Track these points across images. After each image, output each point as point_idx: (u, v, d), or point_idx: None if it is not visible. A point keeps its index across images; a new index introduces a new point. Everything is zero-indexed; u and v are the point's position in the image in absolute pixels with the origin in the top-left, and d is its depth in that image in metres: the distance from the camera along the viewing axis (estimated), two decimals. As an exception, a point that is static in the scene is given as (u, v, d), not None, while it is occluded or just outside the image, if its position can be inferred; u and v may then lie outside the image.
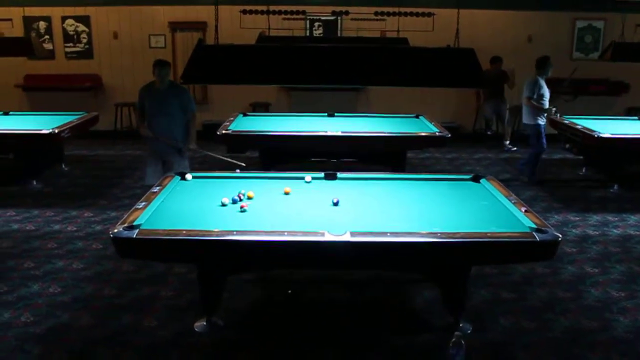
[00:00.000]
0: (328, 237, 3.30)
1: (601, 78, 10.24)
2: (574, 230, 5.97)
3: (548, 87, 7.58)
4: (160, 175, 6.05)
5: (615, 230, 6.00)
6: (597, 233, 5.92)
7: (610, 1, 9.83)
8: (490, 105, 9.93)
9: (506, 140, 9.95)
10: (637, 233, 5.93)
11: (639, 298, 4.51)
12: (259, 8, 6.71)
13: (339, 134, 6.60)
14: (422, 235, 3.42)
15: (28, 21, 9.84)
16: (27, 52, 7.84)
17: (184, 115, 6.07)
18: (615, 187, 7.41)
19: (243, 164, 6.03)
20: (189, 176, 4.65)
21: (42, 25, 10.06)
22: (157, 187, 4.27)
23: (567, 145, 8.17)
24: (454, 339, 3.36)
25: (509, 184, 6.13)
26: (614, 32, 9.50)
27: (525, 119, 7.66)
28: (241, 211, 3.87)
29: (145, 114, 6.07)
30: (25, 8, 9.27)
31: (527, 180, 7.69)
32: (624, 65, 9.22)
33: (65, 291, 4.48)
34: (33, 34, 9.72)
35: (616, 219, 6.35)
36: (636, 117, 8.72)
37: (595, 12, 10.23)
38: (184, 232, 3.37)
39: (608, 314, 4.25)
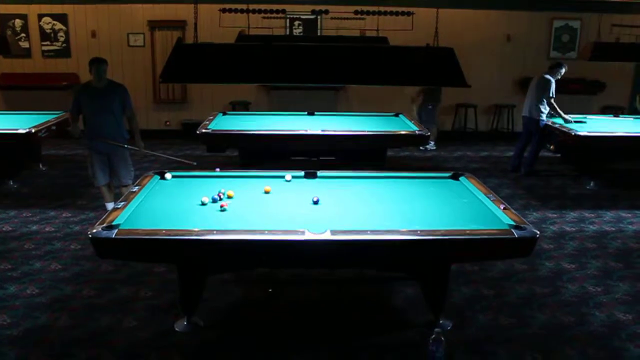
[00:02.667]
0: (308, 236, 3.31)
1: (577, 77, 10.38)
2: (551, 227, 6.05)
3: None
4: (108, 172, 5.98)
5: (591, 227, 6.09)
6: (574, 229, 6.00)
7: (586, 1, 9.99)
8: (424, 107, 9.50)
9: (431, 139, 9.55)
10: (613, 229, 6.03)
11: (614, 293, 4.59)
12: (239, 7, 6.68)
13: (319, 132, 6.61)
14: (402, 233, 3.44)
15: (3, 19, 9.69)
16: (2, 50, 7.71)
17: (124, 114, 5.95)
18: (592, 184, 7.53)
19: (194, 163, 5.99)
20: (168, 175, 4.62)
21: (17, 23, 9.91)
22: (136, 187, 4.24)
23: (551, 147, 8.35)
24: (434, 336, 3.39)
25: (487, 182, 6.18)
26: (590, 32, 9.67)
27: (532, 114, 7.83)
28: (221, 210, 3.86)
29: (82, 114, 5.89)
30: (0, 5, 9.14)
31: (523, 173, 8.03)
32: (599, 65, 9.36)
33: (43, 292, 4.42)
34: (9, 32, 9.58)
35: (592, 215, 6.45)
36: (612, 115, 8.86)
37: (571, 12, 10.38)
38: (164, 231, 3.35)
39: (585, 309, 4.32)
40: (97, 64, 5.72)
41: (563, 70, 7.80)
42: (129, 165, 6.03)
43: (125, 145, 5.89)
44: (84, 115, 5.87)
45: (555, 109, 7.77)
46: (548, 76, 7.73)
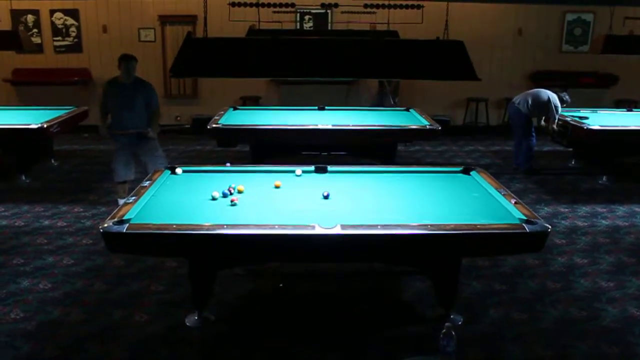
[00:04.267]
0: (319, 230, 3.30)
1: (590, 70, 10.30)
2: (563, 222, 6.01)
3: None
4: (132, 169, 6.03)
5: (604, 221, 6.04)
6: (586, 224, 5.96)
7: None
8: (379, 97, 9.64)
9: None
10: (626, 224, 5.97)
11: (627, 288, 4.56)
12: (249, 0, 6.66)
13: (330, 127, 6.60)
14: (412, 227, 3.43)
15: (16, 14, 9.74)
16: (15, 46, 7.73)
17: (147, 110, 6.03)
18: (604, 178, 7.46)
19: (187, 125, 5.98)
20: (179, 170, 4.63)
21: (30, 18, 9.97)
22: (147, 182, 4.26)
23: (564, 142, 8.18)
24: (444, 330, 3.37)
25: (498, 176, 6.14)
26: (603, 25, 9.56)
27: (521, 108, 7.67)
28: (232, 205, 3.86)
29: (109, 110, 6.02)
30: (13, 1, 9.16)
31: (522, 171, 7.84)
32: (612, 58, 9.29)
33: (56, 287, 4.46)
34: (21, 28, 9.63)
35: (605, 210, 6.39)
36: (625, 109, 8.78)
37: (584, 5, 10.28)
38: (174, 226, 3.36)
39: (597, 304, 4.29)
40: (127, 60, 5.78)
41: (565, 105, 7.66)
42: (157, 156, 6.05)
43: (147, 132, 5.93)
44: (110, 110, 5.95)
45: (554, 129, 7.59)
46: (557, 100, 7.48)
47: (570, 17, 10.39)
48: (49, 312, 4.07)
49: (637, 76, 10.61)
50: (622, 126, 7.23)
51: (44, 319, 3.98)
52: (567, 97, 7.66)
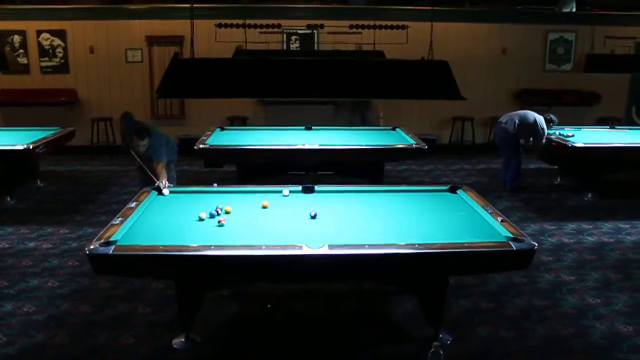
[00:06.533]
0: (306, 251, 3.30)
1: (573, 89, 10.44)
2: (549, 239, 6.04)
3: None
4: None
5: (590, 238, 6.09)
6: (573, 241, 6.00)
7: (580, 14, 10.10)
8: (357, 116, 10.13)
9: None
10: (611, 240, 6.02)
11: (614, 304, 4.58)
12: (235, 22, 6.72)
13: (316, 147, 6.61)
14: (400, 247, 3.43)
15: (2, 35, 9.73)
16: (0, 67, 7.72)
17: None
18: (590, 195, 7.53)
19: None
20: (166, 191, 4.62)
21: (16, 39, 9.95)
22: (134, 203, 4.23)
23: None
24: (432, 350, 3.37)
25: (485, 195, 6.18)
26: (585, 44, 9.74)
27: (509, 128, 7.72)
28: (219, 226, 3.85)
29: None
30: (-1, 22, 9.18)
31: (508, 189, 7.87)
32: (595, 76, 9.41)
33: (40, 310, 4.40)
34: (7, 48, 9.61)
35: (591, 226, 6.44)
36: (608, 126, 8.90)
37: (566, 25, 10.47)
38: (161, 247, 3.34)
39: (584, 321, 4.31)
40: (136, 136, 5.59)
41: (553, 125, 7.75)
42: (170, 177, 5.65)
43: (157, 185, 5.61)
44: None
45: (539, 149, 7.72)
46: (543, 122, 7.55)
47: (552, 36, 10.56)
48: (33, 336, 4.01)
49: (619, 94, 10.79)
50: (606, 143, 7.32)
51: (28, 343, 3.92)
52: (553, 117, 7.74)
